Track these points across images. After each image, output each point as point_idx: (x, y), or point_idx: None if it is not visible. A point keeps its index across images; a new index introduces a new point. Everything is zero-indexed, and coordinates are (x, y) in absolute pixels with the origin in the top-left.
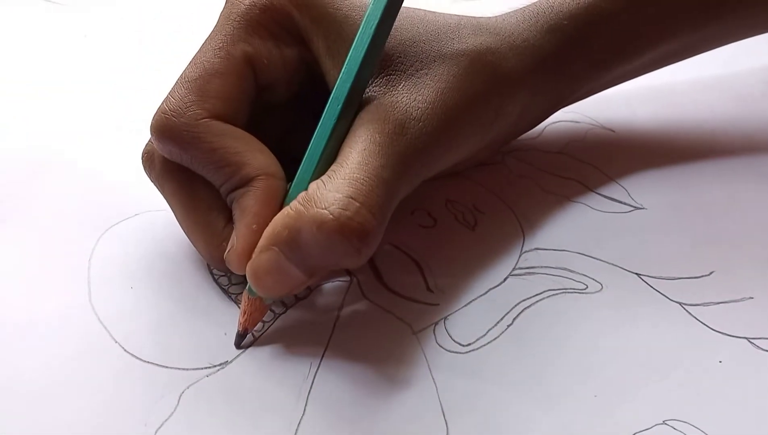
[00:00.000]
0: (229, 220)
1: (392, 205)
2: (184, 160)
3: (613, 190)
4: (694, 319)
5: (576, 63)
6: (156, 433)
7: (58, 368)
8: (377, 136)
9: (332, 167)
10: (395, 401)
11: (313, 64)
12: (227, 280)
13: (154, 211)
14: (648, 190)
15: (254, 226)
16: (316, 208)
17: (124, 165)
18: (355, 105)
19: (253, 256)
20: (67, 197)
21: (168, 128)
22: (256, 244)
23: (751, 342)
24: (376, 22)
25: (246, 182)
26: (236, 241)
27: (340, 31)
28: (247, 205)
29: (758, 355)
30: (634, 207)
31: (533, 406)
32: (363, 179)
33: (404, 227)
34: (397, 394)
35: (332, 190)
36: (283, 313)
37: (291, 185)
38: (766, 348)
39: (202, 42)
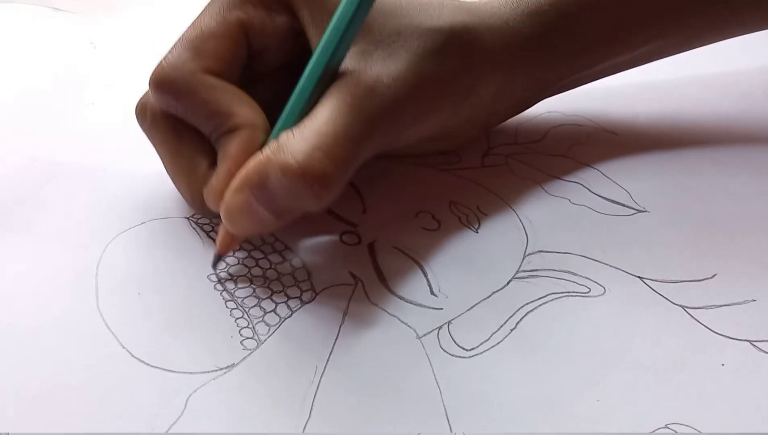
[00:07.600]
0: (212, 165)
1: (356, 159)
2: (178, 110)
3: (615, 193)
4: (697, 322)
5: (558, 49)
6: None
7: (67, 374)
8: (348, 97)
9: (302, 121)
10: (399, 405)
11: (301, 33)
12: (233, 284)
13: (160, 219)
14: (650, 193)
15: (233, 168)
16: (284, 155)
17: (131, 173)
18: (332, 70)
19: (226, 196)
20: (75, 205)
21: (166, 80)
22: None
23: (753, 345)
24: None
25: (232, 130)
26: (214, 180)
27: (323, 2)
28: (229, 150)
29: (761, 357)
30: (637, 210)
31: (536, 410)
32: (328, 132)
33: (408, 230)
34: (401, 399)
35: (299, 140)
36: (288, 316)
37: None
38: None
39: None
